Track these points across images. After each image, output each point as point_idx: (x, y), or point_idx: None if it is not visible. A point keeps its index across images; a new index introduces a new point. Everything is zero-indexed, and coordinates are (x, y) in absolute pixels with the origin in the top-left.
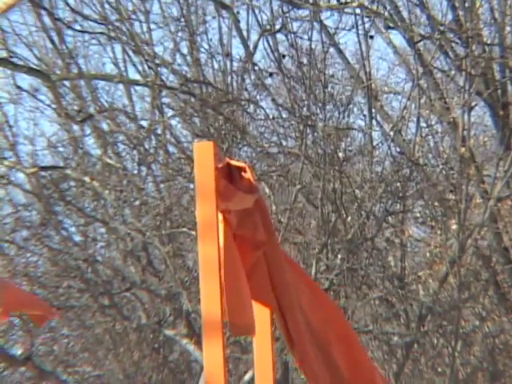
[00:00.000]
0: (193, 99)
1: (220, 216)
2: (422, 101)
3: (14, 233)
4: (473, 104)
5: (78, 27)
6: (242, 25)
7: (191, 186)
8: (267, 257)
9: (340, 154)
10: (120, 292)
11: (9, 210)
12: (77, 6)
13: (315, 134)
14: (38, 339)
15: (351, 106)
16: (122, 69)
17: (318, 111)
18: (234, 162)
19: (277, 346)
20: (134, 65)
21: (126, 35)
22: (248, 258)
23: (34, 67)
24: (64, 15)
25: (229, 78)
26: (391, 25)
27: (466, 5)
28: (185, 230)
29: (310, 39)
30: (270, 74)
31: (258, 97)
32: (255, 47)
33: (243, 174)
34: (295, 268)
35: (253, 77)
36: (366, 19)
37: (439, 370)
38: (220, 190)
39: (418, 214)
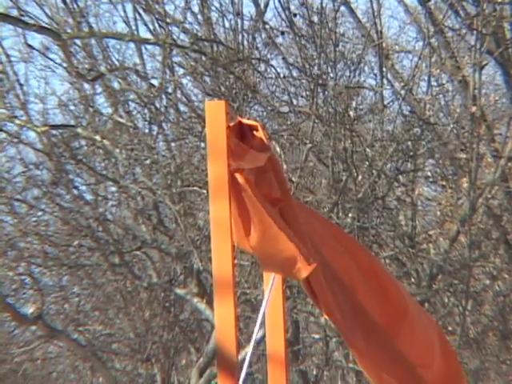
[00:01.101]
0: (204, 58)
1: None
2: (433, 59)
3: (25, 191)
4: (484, 63)
5: None
6: None
7: (202, 144)
8: (283, 213)
9: (351, 113)
10: (131, 251)
11: (20, 169)
12: None
13: (326, 92)
14: (48, 298)
15: (362, 64)
16: (133, 27)
17: (329, 70)
18: (245, 121)
19: (288, 304)
20: (145, 23)
21: None
22: None
23: (45, 26)
24: None
25: (240, 37)
26: None
27: None
28: (196, 188)
29: None
30: (281, 33)
31: (268, 56)
32: (266, 6)
33: (255, 132)
34: (315, 216)
35: (264, 36)
36: None
37: (450, 328)
38: (232, 148)
39: (429, 173)
